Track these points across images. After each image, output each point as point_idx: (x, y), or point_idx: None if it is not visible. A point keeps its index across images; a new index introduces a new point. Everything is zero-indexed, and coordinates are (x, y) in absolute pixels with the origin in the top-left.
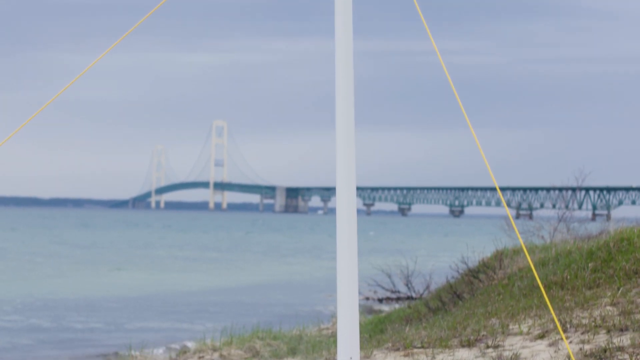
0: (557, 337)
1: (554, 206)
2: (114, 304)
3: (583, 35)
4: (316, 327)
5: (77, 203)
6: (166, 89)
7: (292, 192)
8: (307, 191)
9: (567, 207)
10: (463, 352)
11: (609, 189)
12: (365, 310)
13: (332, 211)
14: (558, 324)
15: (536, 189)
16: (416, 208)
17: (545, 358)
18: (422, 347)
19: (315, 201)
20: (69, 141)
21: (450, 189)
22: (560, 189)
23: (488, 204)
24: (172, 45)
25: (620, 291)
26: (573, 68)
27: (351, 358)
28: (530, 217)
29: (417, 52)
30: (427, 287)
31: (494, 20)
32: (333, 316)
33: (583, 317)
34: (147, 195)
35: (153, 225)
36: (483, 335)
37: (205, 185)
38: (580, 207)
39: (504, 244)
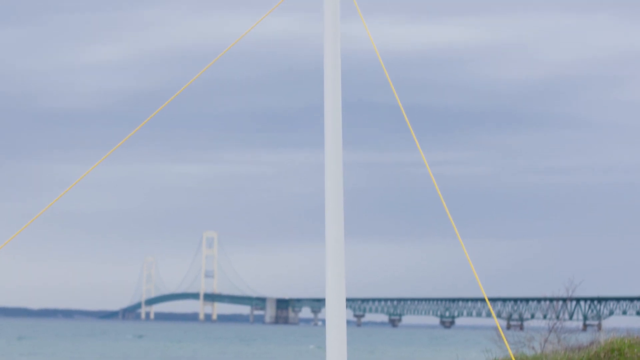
0: None
1: (545, 317)
2: None
3: (570, 145)
4: None
5: (67, 314)
6: (157, 200)
7: (283, 304)
8: (298, 302)
9: (558, 317)
10: None
11: (600, 299)
12: None
13: (324, 322)
14: None
15: (527, 300)
16: (407, 319)
17: None
18: None
19: (306, 312)
20: (58, 252)
21: (441, 299)
22: (551, 299)
23: (479, 314)
24: (163, 156)
25: None
26: (561, 178)
27: None
28: (521, 327)
29: (408, 163)
30: None
31: (483, 131)
32: None
33: None
34: (137, 306)
35: (143, 336)
36: None
37: (195, 296)
38: (571, 318)
39: (495, 355)
